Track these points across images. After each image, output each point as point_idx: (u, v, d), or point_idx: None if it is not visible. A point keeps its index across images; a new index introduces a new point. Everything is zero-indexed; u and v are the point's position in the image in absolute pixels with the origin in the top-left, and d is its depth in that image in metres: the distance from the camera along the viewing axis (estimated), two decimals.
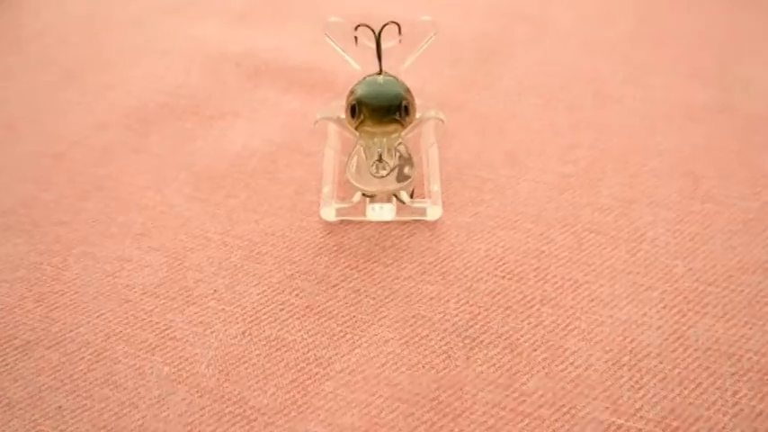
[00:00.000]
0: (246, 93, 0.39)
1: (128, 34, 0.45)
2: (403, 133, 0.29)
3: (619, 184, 0.33)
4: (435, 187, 0.32)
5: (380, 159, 0.28)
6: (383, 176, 0.29)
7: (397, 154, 0.29)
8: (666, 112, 0.38)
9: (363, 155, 0.29)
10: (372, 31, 0.33)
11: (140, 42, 0.44)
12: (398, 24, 0.34)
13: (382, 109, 0.28)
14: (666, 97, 0.39)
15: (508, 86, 0.40)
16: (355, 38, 0.34)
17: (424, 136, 0.34)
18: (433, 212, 0.31)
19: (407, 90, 0.30)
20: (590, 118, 0.37)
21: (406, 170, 0.29)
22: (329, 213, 0.31)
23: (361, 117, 0.29)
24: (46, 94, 0.40)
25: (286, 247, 0.31)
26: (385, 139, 0.29)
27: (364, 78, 0.31)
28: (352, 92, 0.30)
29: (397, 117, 0.29)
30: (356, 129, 0.29)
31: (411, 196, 0.32)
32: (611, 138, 0.36)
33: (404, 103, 0.29)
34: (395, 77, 0.31)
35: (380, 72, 0.34)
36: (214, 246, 0.31)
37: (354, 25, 0.34)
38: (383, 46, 0.33)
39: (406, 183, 0.30)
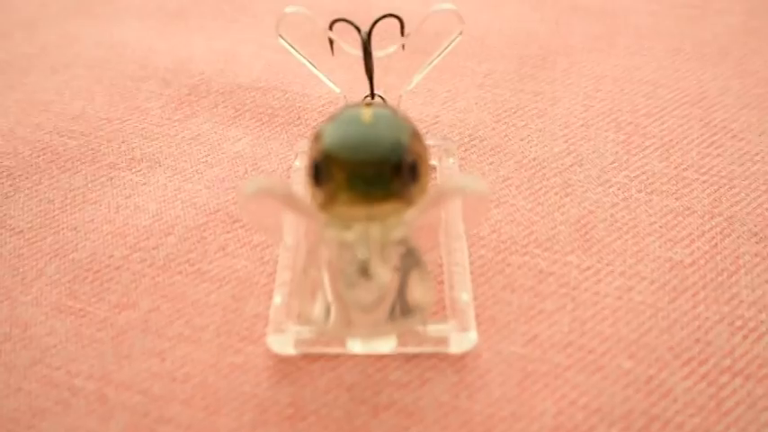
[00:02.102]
0: (174, 127, 0.27)
1: (12, 42, 0.33)
2: (407, 217, 0.17)
3: None
4: (464, 296, 0.19)
5: (364, 270, 0.15)
6: (369, 306, 0.16)
7: (397, 253, 0.16)
8: None
9: (334, 261, 0.16)
10: (357, 29, 0.22)
11: (28, 53, 0.32)
12: (400, 19, 0.23)
13: (367, 172, 0.16)
14: None
15: (568, 113, 0.27)
16: (330, 41, 0.23)
17: (446, 223, 0.21)
18: (461, 341, 0.19)
19: (415, 134, 0.18)
20: (700, 161, 0.25)
21: (416, 293, 0.16)
22: (283, 344, 0.19)
23: (331, 186, 0.17)
24: None
25: (205, 406, 0.18)
26: (373, 229, 0.16)
27: (341, 112, 0.19)
28: (316, 137, 0.18)
29: (394, 187, 0.17)
30: (322, 207, 0.17)
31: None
32: (743, 191, 0.24)
33: (408, 159, 0.17)
34: (393, 110, 0.19)
35: (371, 96, 0.23)
36: (81, 407, 0.18)
37: (329, 21, 0.23)
38: (376, 54, 0.22)
39: (411, 320, 0.17)
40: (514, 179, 0.25)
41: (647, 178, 0.25)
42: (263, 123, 0.28)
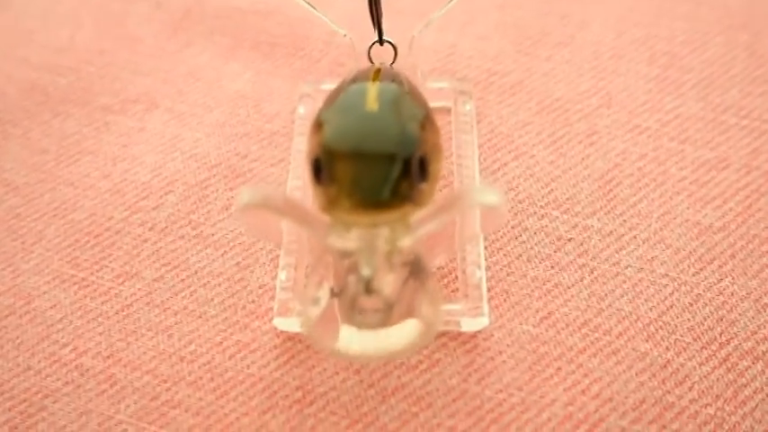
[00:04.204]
0: (168, 59, 0.25)
1: None
2: (416, 226, 0.15)
3: None
4: (477, 272, 0.18)
5: (369, 288, 0.14)
6: (374, 324, 0.15)
7: (404, 262, 0.15)
8: None
9: (338, 275, 0.15)
10: None
11: None
12: None
13: (372, 176, 0.15)
14: None
15: (598, 40, 0.25)
16: None
17: (460, 226, 0.20)
18: (473, 323, 0.18)
19: (426, 118, 0.17)
20: (741, 102, 0.22)
21: (424, 308, 0.15)
22: (290, 325, 0.19)
23: (333, 190, 0.15)
24: None
25: (213, 389, 0.18)
26: (379, 237, 0.15)
27: (344, 91, 0.17)
28: (316, 125, 0.17)
29: (402, 190, 0.15)
30: (324, 209, 0.16)
31: None
32: None
33: (417, 155, 0.16)
34: (401, 85, 0.18)
35: (380, 41, 0.21)
36: (91, 388, 0.18)
37: None
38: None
39: (419, 341, 0.15)
40: (535, 124, 0.24)
41: (681, 123, 0.23)
42: (263, 55, 0.26)
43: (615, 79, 0.25)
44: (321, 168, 0.16)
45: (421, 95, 0.19)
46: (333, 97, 0.18)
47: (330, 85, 0.24)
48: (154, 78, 0.25)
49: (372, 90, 0.16)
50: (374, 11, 0.20)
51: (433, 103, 0.24)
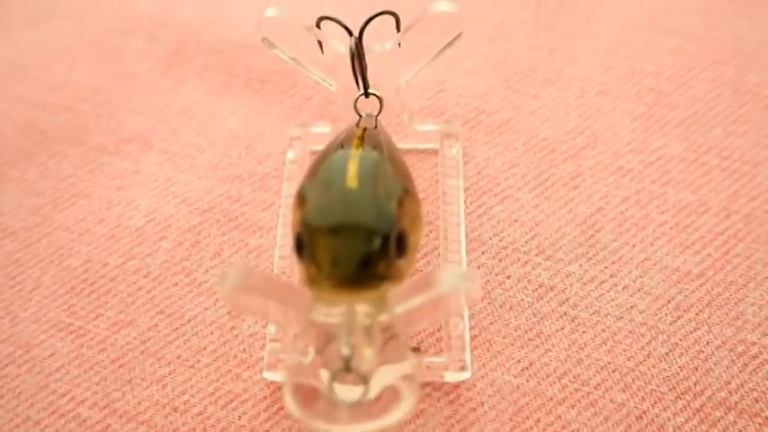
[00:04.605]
0: (162, 97, 0.26)
1: None
2: (394, 303, 0.16)
3: None
4: (461, 325, 0.19)
5: (348, 367, 0.15)
6: (353, 398, 0.15)
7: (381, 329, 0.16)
8: None
9: (317, 342, 0.16)
10: (348, 30, 0.20)
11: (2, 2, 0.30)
12: (396, 16, 0.20)
13: (351, 258, 0.15)
14: None
15: (585, 76, 0.25)
16: (319, 43, 0.21)
17: (445, 230, 0.21)
18: (456, 375, 0.19)
19: (406, 192, 0.17)
20: (723, 142, 0.23)
21: (402, 369, 0.15)
22: (279, 377, 0.19)
23: (313, 269, 0.16)
24: None
25: None
26: (359, 313, 0.15)
27: (325, 162, 0.18)
28: (299, 199, 0.17)
29: (380, 270, 0.16)
30: (306, 284, 0.17)
31: (417, 348, 0.19)
32: (765, 181, 0.22)
33: (396, 232, 0.16)
34: (383, 148, 0.18)
35: (366, 93, 0.21)
36: None
37: (316, 19, 0.20)
38: (372, 48, 0.20)
39: (398, 413, 0.15)
40: (521, 166, 0.24)
41: (664, 164, 0.24)
42: (255, 92, 0.26)
43: (601, 118, 0.25)
44: (303, 245, 0.16)
45: (402, 162, 0.20)
46: (316, 167, 0.18)
47: (320, 129, 0.24)
48: (148, 117, 0.26)
49: (352, 166, 0.17)
50: (357, 66, 0.20)
51: (420, 145, 0.24)
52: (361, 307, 0.16)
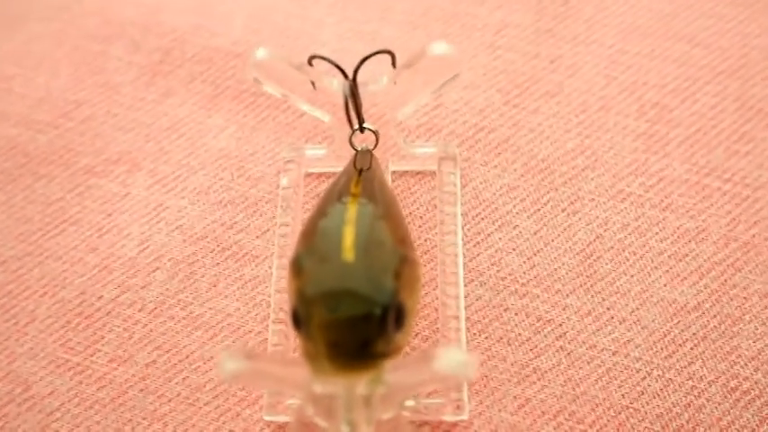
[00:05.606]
0: (148, 112, 0.26)
1: None
2: (389, 368, 0.17)
3: None
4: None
5: None
6: None
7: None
8: None
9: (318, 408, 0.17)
10: (342, 71, 0.20)
11: None
12: (392, 54, 0.21)
13: (349, 339, 0.16)
14: None
15: (587, 88, 0.25)
16: (312, 83, 0.21)
17: (442, 263, 0.22)
18: (454, 415, 0.20)
19: (403, 260, 0.18)
20: (726, 163, 0.23)
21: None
22: (279, 418, 0.20)
23: (311, 347, 0.17)
24: None
25: None
26: (358, 387, 0.16)
27: (320, 229, 0.18)
28: (295, 268, 0.18)
29: (378, 349, 0.16)
30: (306, 361, 0.17)
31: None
32: (766, 207, 0.23)
33: (393, 308, 0.17)
34: (377, 201, 0.19)
35: (361, 128, 0.22)
36: None
37: (307, 57, 0.21)
38: (368, 89, 0.21)
39: None
40: (520, 189, 0.25)
41: (665, 187, 0.24)
42: (246, 106, 0.27)
43: (602, 136, 0.26)
44: (300, 321, 0.17)
45: (398, 213, 0.20)
46: (312, 228, 0.19)
47: (313, 151, 0.25)
48: (135, 134, 0.26)
49: (348, 235, 0.18)
50: (352, 105, 0.21)
51: (417, 167, 0.25)
52: (360, 381, 0.17)
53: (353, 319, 0.16)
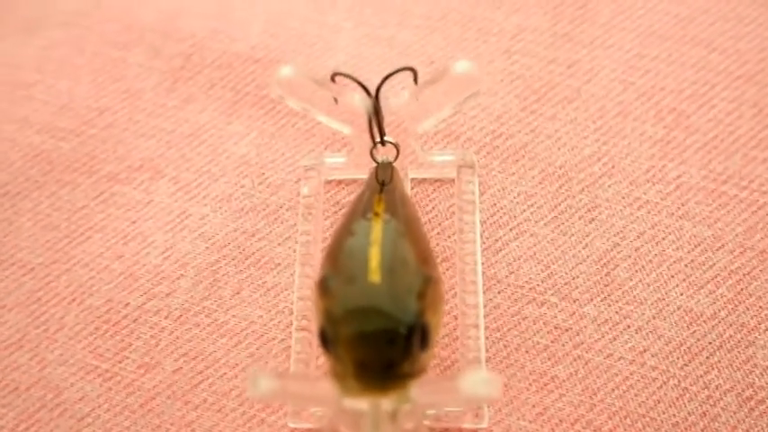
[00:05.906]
0: (169, 118, 0.26)
1: None
2: (416, 395, 0.17)
3: None
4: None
5: None
6: None
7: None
8: None
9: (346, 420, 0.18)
10: (365, 89, 0.21)
11: None
12: (415, 71, 0.21)
13: (377, 361, 0.17)
14: None
15: (605, 94, 0.25)
16: (335, 98, 0.22)
17: (461, 271, 0.23)
18: (473, 423, 0.21)
19: (427, 281, 0.19)
20: (743, 170, 0.24)
21: None
22: (304, 424, 0.21)
23: (339, 368, 0.18)
24: None
25: None
26: (385, 404, 0.17)
27: (346, 249, 0.19)
28: (322, 289, 0.19)
29: (405, 370, 0.17)
30: (334, 380, 0.18)
31: None
32: None
33: (419, 329, 0.17)
34: (399, 218, 0.20)
35: (382, 141, 0.22)
36: None
37: (330, 74, 0.21)
38: (390, 103, 0.21)
39: None
40: (537, 197, 0.25)
41: (682, 195, 0.25)
42: (266, 112, 0.27)
43: (620, 142, 0.26)
44: (328, 341, 0.18)
45: (419, 228, 0.21)
46: (337, 246, 0.20)
47: (333, 159, 0.25)
48: (157, 141, 0.27)
49: (374, 256, 0.18)
50: (374, 120, 0.21)
51: (435, 175, 0.25)
52: (387, 401, 0.17)
53: (380, 333, 0.17)
